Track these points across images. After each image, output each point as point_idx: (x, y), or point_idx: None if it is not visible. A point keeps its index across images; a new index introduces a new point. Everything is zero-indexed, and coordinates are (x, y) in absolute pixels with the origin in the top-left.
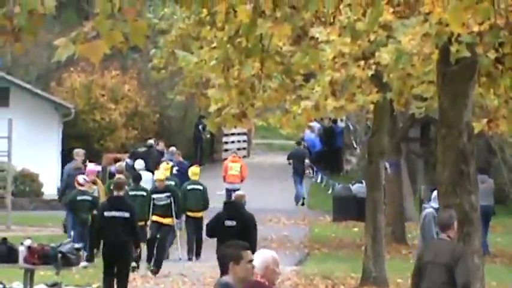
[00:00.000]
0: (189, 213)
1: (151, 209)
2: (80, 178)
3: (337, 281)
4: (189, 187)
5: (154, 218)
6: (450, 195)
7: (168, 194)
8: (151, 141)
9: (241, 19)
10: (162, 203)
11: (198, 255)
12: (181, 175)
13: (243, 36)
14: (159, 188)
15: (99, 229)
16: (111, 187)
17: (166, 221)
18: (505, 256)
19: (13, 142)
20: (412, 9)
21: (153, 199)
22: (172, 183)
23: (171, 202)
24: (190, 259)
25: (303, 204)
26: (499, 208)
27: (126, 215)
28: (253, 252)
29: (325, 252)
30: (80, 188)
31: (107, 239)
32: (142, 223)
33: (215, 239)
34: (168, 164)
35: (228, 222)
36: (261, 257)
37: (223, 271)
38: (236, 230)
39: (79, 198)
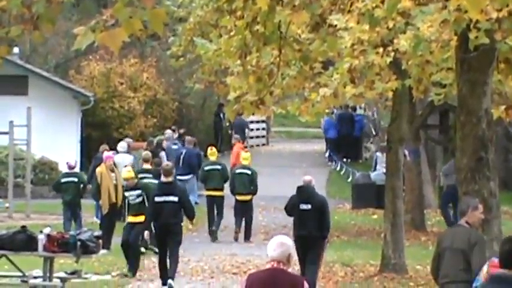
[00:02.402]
0: (238, 197)
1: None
2: (71, 160)
3: (357, 268)
4: (237, 171)
5: (129, 218)
6: (469, 182)
7: (139, 191)
8: (169, 131)
9: (259, 6)
10: (134, 201)
11: (248, 238)
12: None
13: (261, 23)
14: (130, 186)
15: (152, 213)
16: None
17: (139, 219)
18: None
19: (32, 130)
20: None
21: (126, 197)
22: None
23: (143, 200)
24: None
25: None
26: None
27: (175, 199)
28: (326, 231)
29: (344, 240)
30: (68, 170)
31: (159, 222)
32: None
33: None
34: (212, 149)
35: (303, 206)
36: (285, 245)
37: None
38: (311, 213)
39: (63, 180)
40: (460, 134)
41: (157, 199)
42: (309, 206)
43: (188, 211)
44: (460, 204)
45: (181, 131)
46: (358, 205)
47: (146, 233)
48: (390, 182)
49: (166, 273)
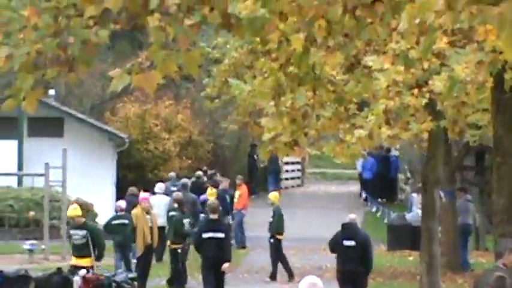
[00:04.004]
0: (279, 236)
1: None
2: (121, 203)
3: None
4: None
5: (73, 260)
6: (505, 224)
7: (84, 232)
8: (199, 173)
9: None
10: (78, 242)
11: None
12: (222, 201)
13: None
14: (75, 225)
15: (197, 247)
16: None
17: (84, 262)
18: None
19: (67, 172)
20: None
21: (70, 236)
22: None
23: (87, 241)
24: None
25: None
26: None
27: (222, 235)
28: (370, 267)
29: (380, 282)
30: (119, 212)
31: (206, 255)
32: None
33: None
34: (212, 190)
35: (347, 242)
36: (317, 286)
37: None
38: (355, 249)
39: (114, 222)
40: (496, 175)
41: (204, 235)
42: (353, 243)
43: (227, 251)
44: (497, 246)
45: (210, 172)
46: (393, 246)
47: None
48: (426, 224)
49: None
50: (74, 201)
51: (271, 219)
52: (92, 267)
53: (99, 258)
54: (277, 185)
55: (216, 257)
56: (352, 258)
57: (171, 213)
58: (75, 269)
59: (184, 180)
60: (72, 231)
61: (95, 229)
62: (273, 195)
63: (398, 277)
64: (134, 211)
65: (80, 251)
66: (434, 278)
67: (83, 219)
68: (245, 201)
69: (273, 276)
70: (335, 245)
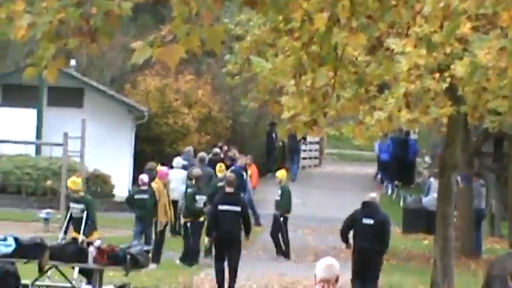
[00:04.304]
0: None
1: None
2: (144, 176)
3: None
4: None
5: (73, 234)
6: None
7: (82, 206)
8: (217, 150)
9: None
10: (77, 215)
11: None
12: (240, 178)
13: (317, 44)
14: (75, 198)
15: (213, 221)
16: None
17: (75, 235)
18: None
19: (86, 143)
20: (492, 24)
21: (69, 209)
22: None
23: (84, 216)
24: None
25: None
26: None
27: (238, 208)
28: (386, 247)
29: (394, 264)
30: (142, 186)
31: (221, 230)
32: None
33: None
34: (221, 166)
35: (366, 220)
36: (334, 266)
37: None
38: (373, 228)
39: (136, 196)
40: None
41: (220, 207)
42: (372, 221)
43: (246, 223)
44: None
45: (225, 148)
46: (408, 229)
47: (206, 240)
48: (441, 208)
49: (223, 282)
50: (91, 172)
51: (278, 198)
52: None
53: (86, 233)
54: (298, 163)
55: (230, 232)
56: (369, 237)
57: (189, 189)
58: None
59: (202, 154)
60: (71, 204)
61: (91, 204)
62: (281, 173)
63: (412, 260)
64: (155, 185)
65: (78, 225)
66: (448, 262)
67: (82, 193)
68: (255, 180)
69: (286, 254)
70: (353, 222)
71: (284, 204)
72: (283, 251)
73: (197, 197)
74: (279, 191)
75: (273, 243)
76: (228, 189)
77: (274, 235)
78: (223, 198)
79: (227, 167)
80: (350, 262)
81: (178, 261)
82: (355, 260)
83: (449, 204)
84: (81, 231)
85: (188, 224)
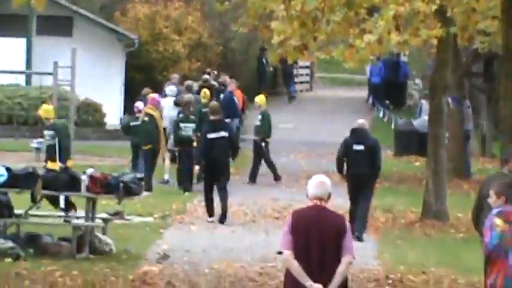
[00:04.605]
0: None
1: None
2: (140, 104)
3: (398, 215)
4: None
5: (48, 164)
6: None
7: (52, 132)
8: (206, 76)
9: None
10: (48, 143)
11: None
12: (231, 103)
13: None
14: (47, 125)
15: (203, 149)
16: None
17: (55, 166)
18: None
19: (76, 72)
20: None
21: (43, 136)
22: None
23: (55, 144)
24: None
25: None
26: None
27: (226, 134)
28: (378, 171)
29: (386, 186)
30: (138, 114)
31: (211, 157)
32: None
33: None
34: (205, 93)
35: (357, 147)
36: (326, 184)
37: None
38: (364, 153)
39: (133, 123)
40: (504, 82)
41: (209, 136)
42: (362, 147)
43: (234, 148)
44: (505, 152)
45: (215, 72)
46: (400, 152)
47: (197, 168)
48: (433, 130)
49: (213, 208)
50: (82, 101)
51: (258, 123)
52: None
53: (62, 159)
54: (294, 84)
55: (218, 158)
56: (361, 162)
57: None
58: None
59: (188, 82)
60: (44, 132)
61: (61, 130)
62: (259, 99)
63: (404, 182)
64: (155, 113)
65: (49, 152)
66: (440, 183)
67: (52, 120)
68: (241, 105)
69: (276, 177)
70: (346, 149)
71: (264, 130)
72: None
73: (181, 125)
74: (259, 116)
75: (265, 169)
76: (213, 117)
77: (267, 161)
78: (210, 127)
79: (218, 93)
80: (342, 186)
81: (177, 187)
82: (349, 185)
83: (441, 126)
84: (57, 159)
85: (176, 153)
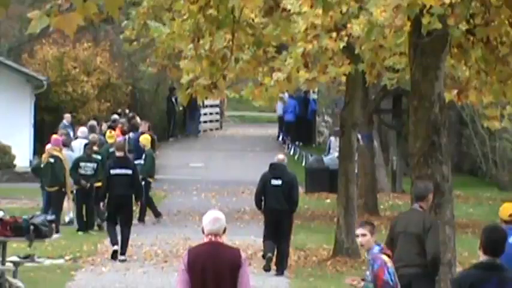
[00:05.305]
0: (150, 179)
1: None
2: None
3: (310, 252)
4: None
5: None
6: (422, 166)
7: None
8: (115, 117)
9: None
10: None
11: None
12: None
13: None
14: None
15: (106, 185)
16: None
17: None
18: (476, 226)
19: None
20: None
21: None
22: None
23: None
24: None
25: None
26: (471, 179)
27: (129, 172)
28: (295, 205)
29: (297, 224)
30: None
31: (114, 193)
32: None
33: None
34: (111, 133)
35: (275, 182)
36: (221, 220)
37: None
38: (282, 188)
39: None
40: (413, 118)
41: (112, 172)
42: (280, 182)
43: (137, 187)
44: (417, 188)
45: (130, 114)
46: (311, 189)
47: (101, 204)
48: (343, 166)
49: (116, 238)
50: None
51: (142, 162)
52: None
53: None
54: (196, 129)
55: (122, 195)
56: (278, 197)
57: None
58: None
59: (91, 122)
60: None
61: None
62: (143, 138)
63: (315, 219)
64: (59, 154)
65: None
66: (351, 220)
67: None
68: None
69: (141, 218)
70: (263, 183)
71: (146, 169)
72: (155, 212)
73: (81, 164)
74: (143, 156)
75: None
76: (118, 154)
77: (145, 201)
78: (114, 163)
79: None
80: (254, 224)
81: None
82: (267, 221)
83: (351, 162)
84: None
85: (75, 191)
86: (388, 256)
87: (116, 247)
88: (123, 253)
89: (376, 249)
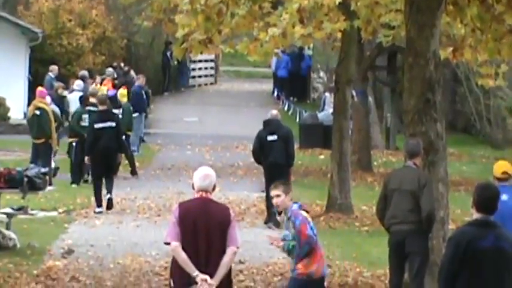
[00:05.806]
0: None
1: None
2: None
3: None
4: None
5: None
6: (416, 124)
7: None
8: (110, 70)
9: None
10: None
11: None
12: (139, 98)
13: None
14: None
15: (91, 140)
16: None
17: None
18: (469, 184)
19: None
20: None
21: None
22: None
23: None
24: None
25: None
26: (465, 137)
27: (113, 124)
28: (292, 159)
29: (291, 180)
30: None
31: (99, 147)
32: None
33: None
34: (124, 90)
35: (270, 137)
36: (211, 176)
37: None
38: (278, 143)
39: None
40: (408, 75)
41: (96, 126)
42: (275, 137)
43: (120, 138)
44: (408, 145)
45: (125, 68)
46: (305, 145)
47: (87, 158)
48: (337, 123)
49: (101, 198)
50: None
51: (120, 116)
52: None
53: None
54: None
55: (108, 147)
56: (276, 152)
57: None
58: None
59: (83, 72)
60: None
61: None
62: (120, 93)
63: (309, 175)
64: (46, 106)
65: None
66: (345, 176)
67: None
68: None
69: (133, 171)
70: (260, 141)
71: (125, 122)
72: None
73: (83, 116)
74: (121, 110)
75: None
76: (101, 107)
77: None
78: (98, 117)
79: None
80: (247, 179)
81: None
82: (266, 175)
83: (345, 119)
84: None
85: (74, 144)
86: (307, 212)
87: (100, 209)
88: (110, 204)
89: (295, 206)
